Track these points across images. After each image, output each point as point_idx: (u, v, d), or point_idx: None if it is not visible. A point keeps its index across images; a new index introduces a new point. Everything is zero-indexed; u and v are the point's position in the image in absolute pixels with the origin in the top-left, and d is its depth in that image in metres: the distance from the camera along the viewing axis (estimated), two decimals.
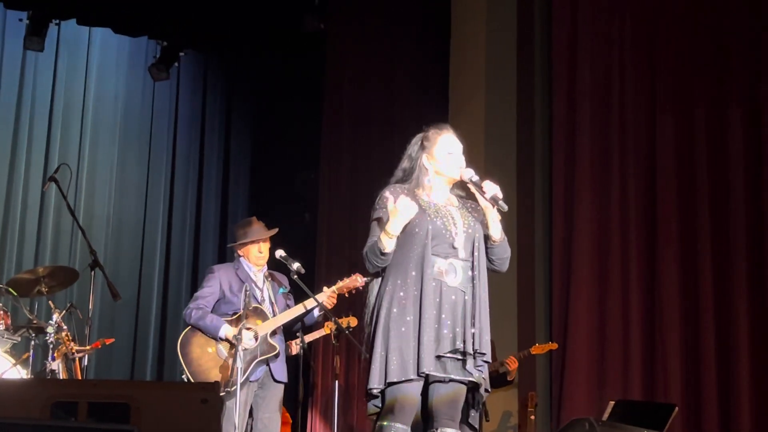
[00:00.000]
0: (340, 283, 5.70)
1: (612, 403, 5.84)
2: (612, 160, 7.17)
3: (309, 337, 6.51)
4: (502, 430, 7.44)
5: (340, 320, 6.04)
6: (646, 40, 7.19)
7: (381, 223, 4.01)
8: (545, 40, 7.99)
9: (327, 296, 5.65)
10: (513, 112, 7.91)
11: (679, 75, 6.96)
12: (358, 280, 5.61)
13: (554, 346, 6.94)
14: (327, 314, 5.71)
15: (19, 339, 6.53)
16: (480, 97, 7.95)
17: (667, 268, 6.78)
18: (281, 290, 5.83)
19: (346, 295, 5.75)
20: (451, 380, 3.93)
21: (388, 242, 3.92)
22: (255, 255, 5.81)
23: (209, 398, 2.71)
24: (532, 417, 6.93)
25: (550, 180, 7.63)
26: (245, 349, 5.37)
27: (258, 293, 5.72)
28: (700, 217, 6.68)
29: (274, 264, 5.80)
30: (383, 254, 3.95)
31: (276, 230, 5.92)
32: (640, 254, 6.96)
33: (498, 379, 6.86)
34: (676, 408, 5.66)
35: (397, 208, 3.87)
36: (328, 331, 6.50)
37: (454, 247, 3.97)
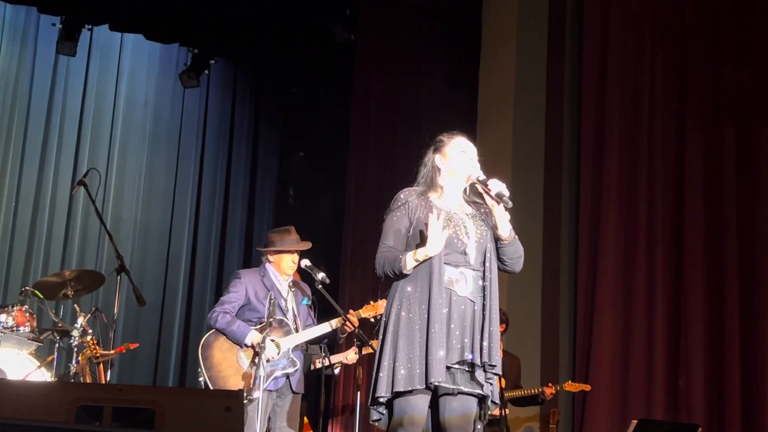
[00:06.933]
0: (367, 307, 5.66)
1: (634, 421, 5.80)
2: (640, 178, 7.14)
3: (334, 358, 6.35)
4: None
5: (366, 347, 5.92)
6: (675, 57, 7.17)
7: (393, 225, 4.01)
8: (575, 53, 7.98)
9: (353, 319, 5.58)
10: (542, 124, 7.90)
11: (709, 93, 6.93)
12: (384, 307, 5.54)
13: (587, 387, 6.86)
14: (355, 332, 5.63)
15: (44, 342, 6.57)
16: (508, 110, 7.93)
17: (693, 286, 6.73)
18: (304, 301, 5.79)
19: (372, 320, 5.70)
20: (460, 392, 3.89)
21: (412, 265, 3.89)
22: (287, 264, 5.73)
23: (233, 406, 2.71)
24: None
25: (578, 195, 7.61)
26: (267, 360, 5.35)
27: (282, 303, 5.67)
28: (728, 236, 6.63)
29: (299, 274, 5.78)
30: (403, 274, 3.93)
31: (310, 245, 5.84)
32: (665, 272, 6.92)
33: (530, 399, 6.86)
34: (700, 428, 5.61)
35: (437, 235, 3.83)
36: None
37: (465, 253, 3.93)
